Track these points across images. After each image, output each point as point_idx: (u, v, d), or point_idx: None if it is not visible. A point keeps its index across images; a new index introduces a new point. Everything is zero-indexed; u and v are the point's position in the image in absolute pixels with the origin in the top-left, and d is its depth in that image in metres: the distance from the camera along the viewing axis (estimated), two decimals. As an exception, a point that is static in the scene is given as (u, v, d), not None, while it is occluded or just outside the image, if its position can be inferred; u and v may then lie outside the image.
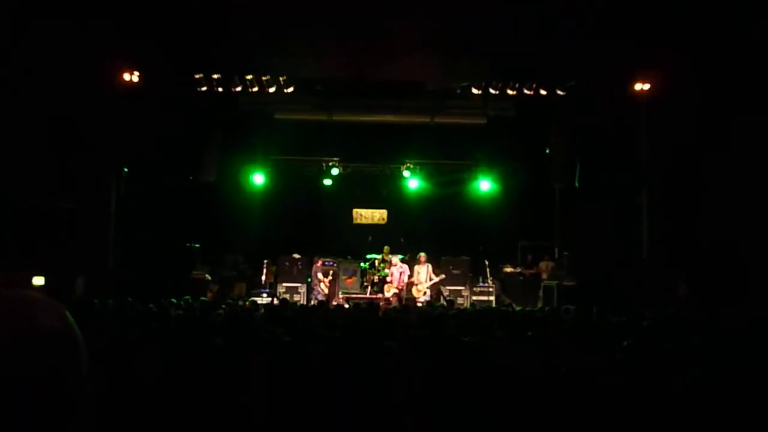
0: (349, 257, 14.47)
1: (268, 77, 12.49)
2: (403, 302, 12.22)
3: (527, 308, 10.09)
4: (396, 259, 13.09)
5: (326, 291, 12.92)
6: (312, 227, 15.22)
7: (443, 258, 13.71)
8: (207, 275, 12.77)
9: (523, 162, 14.18)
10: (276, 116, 13.88)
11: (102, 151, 11.71)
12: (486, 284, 13.12)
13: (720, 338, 4.80)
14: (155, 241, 12.03)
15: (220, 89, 12.58)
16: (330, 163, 14.67)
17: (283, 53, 11.69)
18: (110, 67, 11.52)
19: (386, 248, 14.07)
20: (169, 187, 12.92)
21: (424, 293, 12.76)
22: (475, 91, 12.81)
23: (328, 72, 12.60)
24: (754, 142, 9.92)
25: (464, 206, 15.08)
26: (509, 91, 12.65)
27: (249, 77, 12.36)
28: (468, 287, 13.35)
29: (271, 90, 12.73)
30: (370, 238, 14.54)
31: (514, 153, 14.18)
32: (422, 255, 12.92)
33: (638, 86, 11.92)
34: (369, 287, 13.84)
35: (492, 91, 12.68)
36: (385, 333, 5.72)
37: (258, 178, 14.67)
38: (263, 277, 13.15)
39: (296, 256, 13.69)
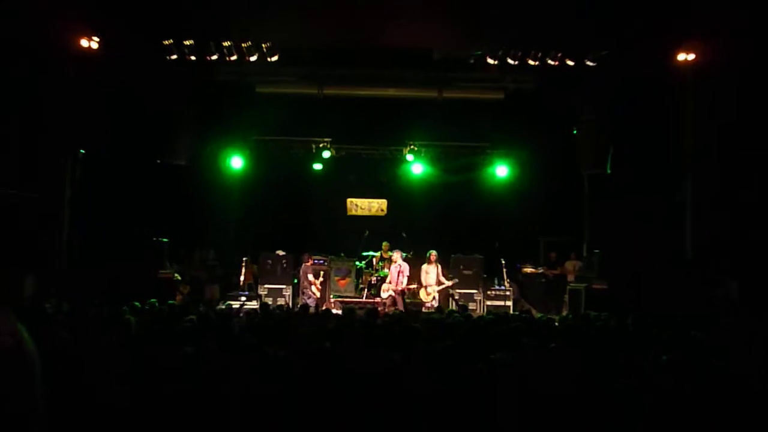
0: (342, 255, 14.47)
1: (249, 44, 12.37)
2: (397, 306, 12.20)
3: (550, 316, 10.03)
4: (396, 255, 13.06)
5: (318, 294, 12.89)
6: (299, 220, 15.22)
7: (453, 256, 13.72)
8: (176, 275, 12.78)
9: (546, 144, 14.13)
10: (258, 89, 13.80)
11: (54, 129, 11.65)
12: (502, 287, 13.14)
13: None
14: (116, 234, 12.01)
15: (193, 58, 12.46)
16: (320, 145, 14.64)
17: (266, 15, 11.58)
18: (64, 31, 11.41)
19: (385, 244, 14.05)
20: (133, 172, 12.87)
21: (433, 297, 12.73)
22: (490, 60, 12.69)
23: (319, 38, 12.49)
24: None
25: (477, 196, 15.07)
26: (530, 61, 12.54)
27: (226, 44, 12.24)
28: (481, 290, 13.36)
29: (252, 59, 12.61)
30: (366, 233, 14.51)
31: (535, 134, 14.14)
32: (433, 253, 12.92)
33: (682, 56, 11.82)
34: (365, 290, 13.85)
35: (510, 60, 12.56)
36: (386, 343, 5.71)
37: (236, 162, 14.65)
38: (241, 278, 13.17)
39: (280, 253, 13.68)
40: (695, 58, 11.76)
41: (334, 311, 9.79)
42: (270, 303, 12.12)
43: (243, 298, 12.56)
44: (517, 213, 14.47)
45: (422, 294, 12.89)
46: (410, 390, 4.38)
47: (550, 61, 12.33)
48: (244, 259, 13.31)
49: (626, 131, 12.71)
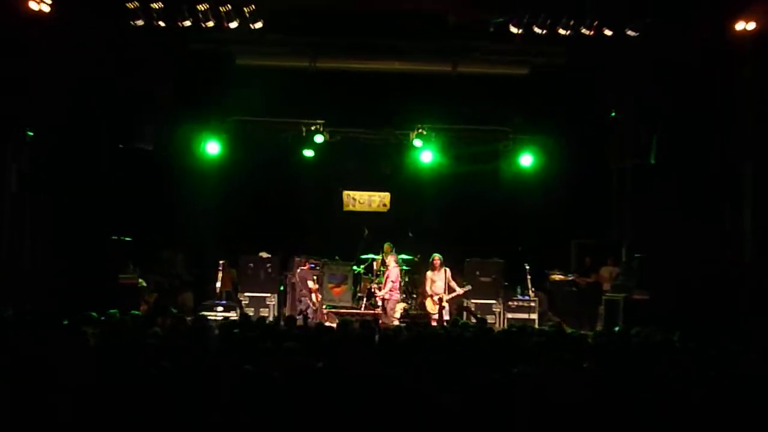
0: (336, 258, 14.46)
1: (228, 7, 12.34)
2: (382, 319, 12.27)
3: (582, 331, 10.05)
4: (390, 259, 13.06)
5: (317, 304, 12.93)
6: (286, 216, 15.22)
7: (468, 261, 13.70)
8: (140, 280, 12.79)
9: (579, 129, 14.14)
10: (238, 61, 13.80)
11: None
12: (526, 297, 13.14)
13: None
14: (70, 231, 11.98)
15: (162, 24, 12.43)
16: (312, 128, 14.63)
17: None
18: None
19: (387, 246, 14.06)
20: (91, 159, 12.82)
21: (443, 308, 12.73)
22: (514, 29, 12.64)
23: (311, 0, 12.46)
24: None
25: (497, 189, 15.06)
26: (561, 31, 12.48)
27: (202, 7, 12.21)
28: (501, 301, 13.36)
29: (233, 25, 12.58)
30: (366, 232, 14.52)
31: (566, 116, 14.14)
32: (437, 257, 12.94)
33: (740, 26, 11.77)
34: (364, 299, 13.87)
35: (537, 29, 12.50)
36: (386, 360, 5.70)
37: (213, 147, 14.65)
38: (218, 284, 13.15)
39: (264, 255, 13.67)
40: (756, 27, 11.71)
41: (328, 324, 9.80)
42: (251, 314, 12.15)
43: (220, 309, 12.58)
44: (545, 210, 14.48)
45: (428, 304, 12.89)
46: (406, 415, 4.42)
47: (584, 31, 12.25)
48: (221, 262, 13.30)
49: (673, 114, 12.66)
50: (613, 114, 13.63)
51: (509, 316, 13.10)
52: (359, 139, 15.12)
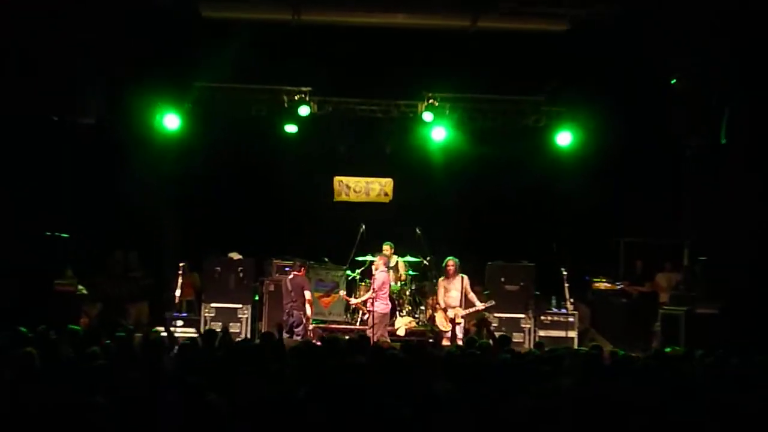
0: (326, 260, 14.46)
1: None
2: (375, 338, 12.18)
3: (633, 353, 9.96)
4: (379, 260, 12.77)
5: (310, 318, 12.77)
6: (263, 208, 15.18)
7: (489, 264, 13.65)
8: (81, 287, 12.72)
9: (629, 101, 14.04)
10: (204, 13, 13.67)
11: None
12: (563, 310, 13.09)
13: None
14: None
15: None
16: (296, 97, 14.58)
17: None
18: None
19: (387, 246, 13.99)
20: (21, 135, 12.75)
21: (459, 323, 12.63)
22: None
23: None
24: None
25: (527, 175, 15.04)
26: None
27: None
28: (531, 315, 13.29)
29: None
30: (362, 228, 14.43)
31: (613, 85, 14.00)
32: (451, 261, 12.78)
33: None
34: (359, 312, 13.79)
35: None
36: (382, 387, 5.73)
37: (172, 121, 14.58)
38: (177, 293, 13.12)
39: (235, 256, 13.65)
40: None
41: (316, 342, 9.73)
42: (218, 329, 12.02)
43: (179, 323, 12.54)
44: (586, 201, 14.46)
45: (439, 320, 12.78)
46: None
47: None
48: (181, 264, 13.26)
49: (749, 84, 12.57)
50: (674, 81, 13.53)
51: (541, 333, 13.04)
52: (354, 112, 15.04)
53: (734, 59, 12.72)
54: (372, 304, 12.40)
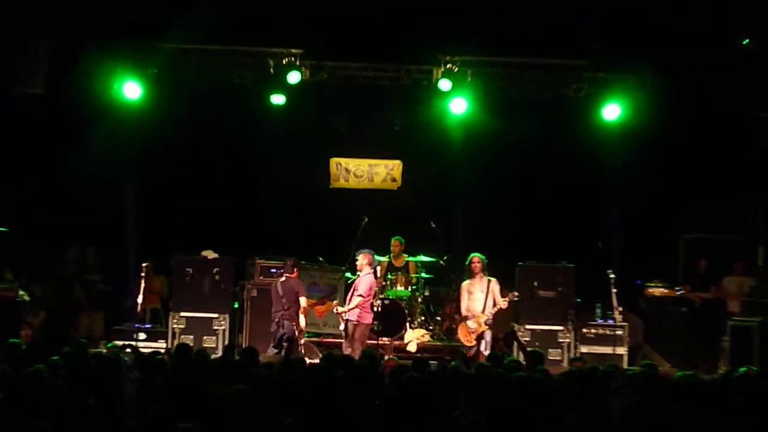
0: (321, 260, 14.52)
1: None
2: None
3: (697, 373, 9.97)
4: (362, 259, 12.65)
5: (303, 328, 12.79)
6: (243, 196, 15.21)
7: (521, 265, 13.71)
8: (22, 293, 12.72)
9: (691, 66, 13.99)
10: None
11: None
12: (610, 321, 13.12)
13: None
14: None
15: None
16: (284, 61, 14.52)
17: None
18: None
19: (396, 241, 14.09)
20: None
21: (481, 334, 12.59)
22: None
23: None
24: None
25: (566, 155, 15.10)
26: None
27: None
28: (571, 327, 13.32)
29: None
30: (365, 220, 14.47)
31: (672, 45, 13.93)
32: (476, 258, 12.74)
33: None
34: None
35: None
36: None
37: (132, 90, 14.53)
38: (139, 299, 13.15)
39: (210, 255, 13.70)
40: None
41: (309, 361, 9.78)
42: (191, 344, 12.07)
43: (142, 336, 12.54)
44: (638, 189, 14.46)
45: (461, 333, 12.71)
46: None
47: None
48: (143, 264, 13.30)
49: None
50: (746, 41, 13.50)
51: (583, 349, 13.04)
52: (355, 79, 15.01)
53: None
54: (358, 314, 12.26)
